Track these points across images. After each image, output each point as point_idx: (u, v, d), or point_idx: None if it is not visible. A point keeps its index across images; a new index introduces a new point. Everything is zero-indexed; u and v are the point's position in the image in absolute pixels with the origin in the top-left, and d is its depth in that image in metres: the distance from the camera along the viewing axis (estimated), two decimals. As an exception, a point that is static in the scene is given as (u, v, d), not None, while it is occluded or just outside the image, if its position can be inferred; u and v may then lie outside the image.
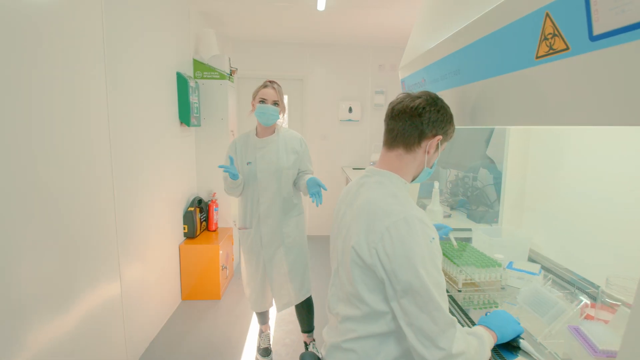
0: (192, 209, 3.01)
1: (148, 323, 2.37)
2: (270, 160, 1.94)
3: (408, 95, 1.01)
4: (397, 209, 0.88)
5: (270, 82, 1.95)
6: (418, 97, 0.98)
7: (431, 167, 1.04)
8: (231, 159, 1.83)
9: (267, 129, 1.97)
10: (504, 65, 0.91)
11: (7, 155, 1.24)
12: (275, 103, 1.91)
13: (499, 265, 1.31)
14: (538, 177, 1.71)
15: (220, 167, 1.83)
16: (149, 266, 2.38)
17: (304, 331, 2.25)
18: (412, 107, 0.96)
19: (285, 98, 4.62)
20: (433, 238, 0.86)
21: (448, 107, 1.00)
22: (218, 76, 3.23)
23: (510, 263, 1.39)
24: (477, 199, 2.25)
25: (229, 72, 3.30)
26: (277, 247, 2.03)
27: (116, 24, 1.94)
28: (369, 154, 4.54)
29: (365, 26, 3.73)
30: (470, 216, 2.23)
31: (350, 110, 4.47)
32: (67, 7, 1.55)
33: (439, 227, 1.45)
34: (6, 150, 1.24)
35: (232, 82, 3.47)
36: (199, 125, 3.12)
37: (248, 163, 1.95)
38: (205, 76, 3.23)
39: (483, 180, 2.22)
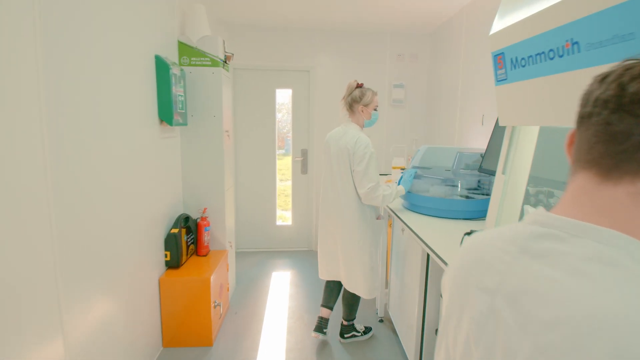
0: (175, 230, 2.36)
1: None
2: None
3: None
4: None
5: (362, 85, 2.23)
6: None
7: None
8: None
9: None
10: None
11: None
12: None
13: None
14: None
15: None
16: (116, 308, 1.74)
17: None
18: None
19: (290, 92, 3.98)
20: None
21: None
22: (209, 62, 2.58)
23: None
24: None
25: (223, 57, 2.66)
26: None
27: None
28: (387, 158, 3.92)
29: (382, 8, 3.11)
30: None
31: (364, 107, 3.86)
32: None
33: None
34: None
35: (228, 70, 2.82)
36: (185, 124, 2.47)
37: None
38: (193, 62, 2.58)
39: None
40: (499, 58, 1.12)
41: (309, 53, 3.86)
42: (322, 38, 3.84)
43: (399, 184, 2.25)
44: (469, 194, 2.16)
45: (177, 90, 2.34)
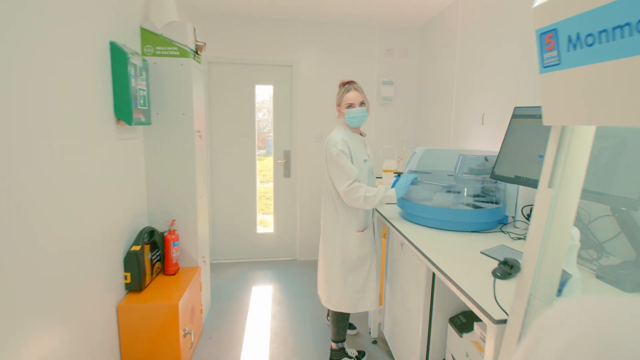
0: (137, 247, 2.02)
1: None
2: (373, 158, 2.14)
3: None
4: None
5: (348, 83, 2.02)
6: None
7: None
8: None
9: (356, 129, 2.07)
10: None
11: None
12: (362, 103, 1.99)
13: None
14: None
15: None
16: (63, 343, 1.40)
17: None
18: None
19: (271, 88, 3.67)
20: None
21: None
22: (178, 52, 2.25)
23: None
24: None
25: (194, 47, 2.33)
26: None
27: None
28: (377, 160, 3.66)
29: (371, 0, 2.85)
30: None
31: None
32: None
33: None
34: None
35: (199, 62, 2.49)
36: (148, 123, 2.13)
37: (365, 160, 2.03)
38: (159, 52, 2.24)
39: None
40: (548, 37, 0.85)
41: (291, 46, 3.55)
42: (306, 30, 3.54)
43: (392, 187, 2.00)
44: (475, 202, 1.91)
45: (137, 83, 1.99)
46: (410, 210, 1.96)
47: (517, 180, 1.55)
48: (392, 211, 2.22)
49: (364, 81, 3.56)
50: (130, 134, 2.09)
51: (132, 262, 2.01)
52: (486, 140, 2.50)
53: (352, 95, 1.98)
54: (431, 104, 3.41)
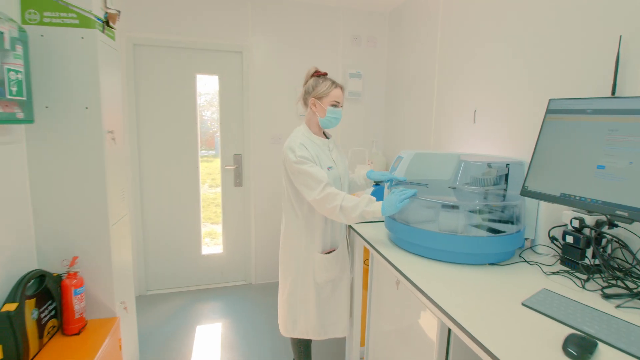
0: (11, 307, 1.34)
1: None
2: (343, 163, 1.79)
3: None
4: None
5: (324, 75, 1.73)
6: None
7: None
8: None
9: (321, 130, 1.75)
10: None
11: None
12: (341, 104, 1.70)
13: None
14: None
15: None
16: None
17: None
18: None
19: (216, 79, 3.04)
20: None
21: None
22: (77, 21, 1.58)
23: None
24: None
25: (102, 16, 1.68)
26: None
27: None
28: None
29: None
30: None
31: (313, 101, 3.07)
32: None
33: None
34: None
35: (113, 39, 1.83)
36: (29, 120, 1.46)
37: (329, 168, 1.66)
38: (47, 20, 1.56)
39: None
40: None
41: (241, 29, 2.96)
42: (259, 10, 2.96)
43: (377, 197, 1.54)
44: (489, 222, 1.47)
45: (8, 62, 1.33)
46: (406, 237, 1.48)
47: (566, 200, 1.12)
48: (377, 232, 1.74)
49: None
50: (4, 137, 1.40)
51: (3, 328, 1.33)
52: (480, 141, 2.10)
53: (340, 93, 1.68)
54: (404, 99, 2.98)
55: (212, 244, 3.43)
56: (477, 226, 1.45)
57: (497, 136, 1.98)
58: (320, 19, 3.09)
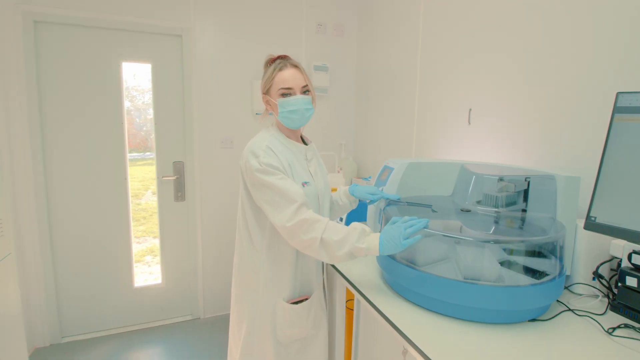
0: None
1: None
2: (324, 177, 1.34)
3: None
4: None
5: (281, 57, 1.23)
6: None
7: None
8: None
9: (295, 132, 1.30)
10: None
11: None
12: (305, 90, 1.22)
13: None
14: None
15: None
16: None
17: None
18: None
19: (149, 69, 2.45)
20: None
21: None
22: None
23: None
24: None
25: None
26: None
27: None
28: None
29: None
30: None
31: (271, 97, 2.58)
32: None
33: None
34: None
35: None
36: None
37: (305, 183, 1.21)
38: None
39: None
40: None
41: (180, 7, 2.40)
42: (202, -14, 2.43)
43: (359, 217, 1.13)
44: (517, 257, 1.08)
45: None
46: (412, 285, 1.05)
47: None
48: (365, 270, 1.30)
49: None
50: None
51: None
52: (477, 144, 1.75)
53: (288, 75, 1.20)
54: (379, 96, 2.59)
55: (153, 263, 2.80)
56: (504, 263, 1.05)
57: (499, 138, 1.63)
58: (279, 3, 2.61)
